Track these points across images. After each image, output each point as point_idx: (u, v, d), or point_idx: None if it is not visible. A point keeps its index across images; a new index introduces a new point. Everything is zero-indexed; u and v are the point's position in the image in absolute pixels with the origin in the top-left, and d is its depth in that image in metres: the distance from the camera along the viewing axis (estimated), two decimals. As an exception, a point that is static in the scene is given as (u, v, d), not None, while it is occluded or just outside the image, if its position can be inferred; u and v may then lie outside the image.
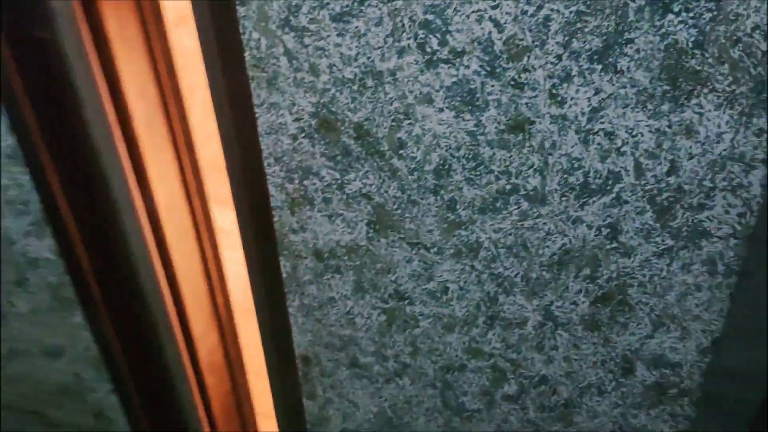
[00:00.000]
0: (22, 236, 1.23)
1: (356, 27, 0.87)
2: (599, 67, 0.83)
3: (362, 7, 0.86)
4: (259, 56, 0.93)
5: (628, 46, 0.81)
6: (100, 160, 1.06)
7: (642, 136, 0.86)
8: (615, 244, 0.96)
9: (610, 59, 0.82)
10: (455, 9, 0.83)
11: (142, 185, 1.12)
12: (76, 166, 1.08)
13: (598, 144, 0.88)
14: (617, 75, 0.83)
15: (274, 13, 0.89)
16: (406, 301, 1.11)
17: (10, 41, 0.99)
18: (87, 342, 1.36)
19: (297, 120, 0.97)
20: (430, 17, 0.84)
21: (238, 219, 1.09)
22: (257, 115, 0.99)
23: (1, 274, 1.30)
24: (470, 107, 0.90)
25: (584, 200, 0.93)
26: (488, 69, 0.86)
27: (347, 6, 0.86)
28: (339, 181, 1.02)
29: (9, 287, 1.32)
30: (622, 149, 0.88)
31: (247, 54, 0.93)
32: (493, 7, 0.82)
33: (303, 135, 0.99)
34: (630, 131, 0.86)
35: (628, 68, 0.82)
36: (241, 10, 0.90)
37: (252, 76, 0.95)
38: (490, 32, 0.84)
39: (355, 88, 0.92)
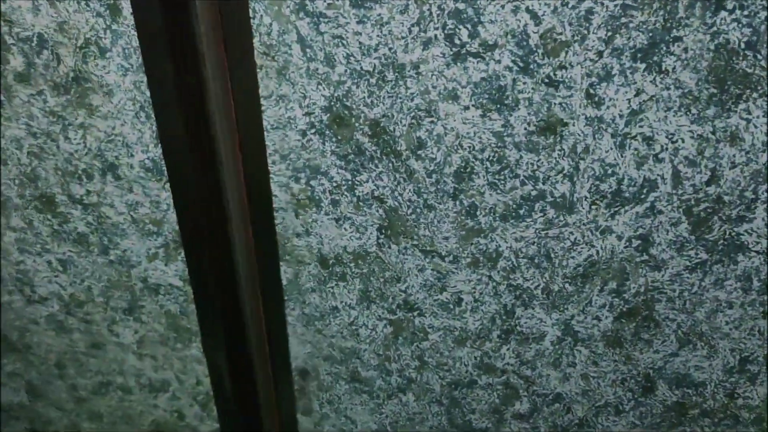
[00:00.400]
0: (145, 259, 1.13)
1: (378, 14, 0.80)
2: (642, 66, 0.77)
3: (387, -7, 0.79)
4: (270, 43, 0.86)
5: (676, 44, 0.75)
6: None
7: (683, 142, 0.80)
8: (645, 257, 0.90)
9: (655, 58, 0.76)
10: (489, -2, 0.76)
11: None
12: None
13: (635, 149, 0.82)
14: (661, 75, 0.77)
15: (289, -3, 0.82)
16: (416, 313, 1.04)
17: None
18: (198, 376, 1.25)
19: (307, 114, 0.90)
20: (461, 6, 0.78)
21: (234, 221, 1.01)
22: (263, 107, 0.91)
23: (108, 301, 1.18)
24: (498, 106, 0.83)
25: (615, 209, 0.87)
26: (521, 65, 0.80)
27: (370, -9, 0.79)
28: (350, 182, 0.94)
29: (115, 314, 1.19)
30: (660, 155, 0.82)
31: (256, 40, 0.86)
32: (532, -2, 0.75)
33: (313, 131, 0.91)
34: (670, 136, 0.80)
35: (673, 68, 0.76)
36: (252, -7, 0.82)
37: (260, 65, 0.88)
38: (525, 25, 0.77)
39: (373, 81, 0.85)
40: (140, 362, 1.22)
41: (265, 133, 0.93)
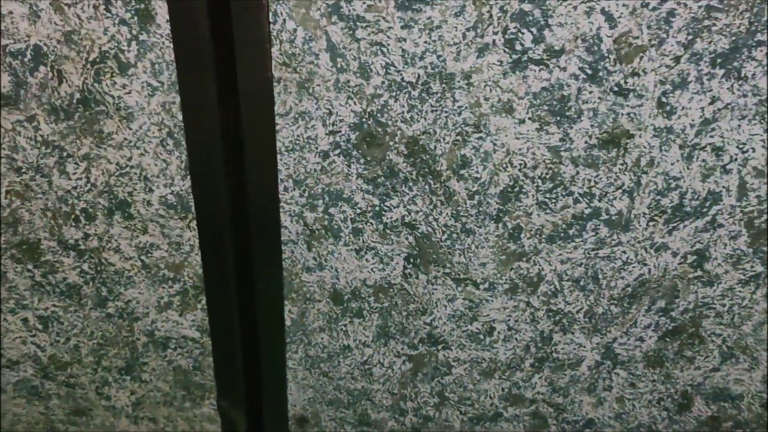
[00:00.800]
0: (154, 310, 0.92)
1: (428, 17, 0.69)
2: (721, 72, 0.71)
3: (442, -7, 0.68)
4: (292, 52, 0.72)
5: (758, 49, 0.69)
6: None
7: (753, 152, 0.75)
8: (699, 273, 0.84)
9: (735, 63, 0.70)
10: (561, -2, 0.67)
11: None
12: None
13: (703, 161, 0.76)
14: (739, 82, 0.71)
15: (322, -2, 0.69)
16: (440, 346, 0.94)
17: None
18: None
19: (332, 134, 0.77)
20: (527, 7, 0.68)
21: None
22: (278, 127, 0.77)
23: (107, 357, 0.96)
24: (558, 118, 0.74)
25: (674, 225, 0.81)
26: (589, 72, 0.71)
27: (422, -9, 0.68)
28: (377, 208, 0.83)
29: (107, 375, 0.97)
30: (728, 167, 0.76)
31: (275, 49, 0.72)
32: (609, -2, 0.67)
33: (337, 152, 0.79)
34: (741, 146, 0.75)
35: (753, 75, 0.71)
36: (277, -8, 0.69)
37: (278, 78, 0.74)
38: (599, 28, 0.69)
39: (415, 94, 0.74)
40: (135, 426, 1.04)
41: (278, 155, 0.80)
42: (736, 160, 0.76)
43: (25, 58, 0.73)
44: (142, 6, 0.69)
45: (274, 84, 0.75)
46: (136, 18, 0.70)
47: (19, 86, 0.75)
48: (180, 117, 0.76)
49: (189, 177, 0.80)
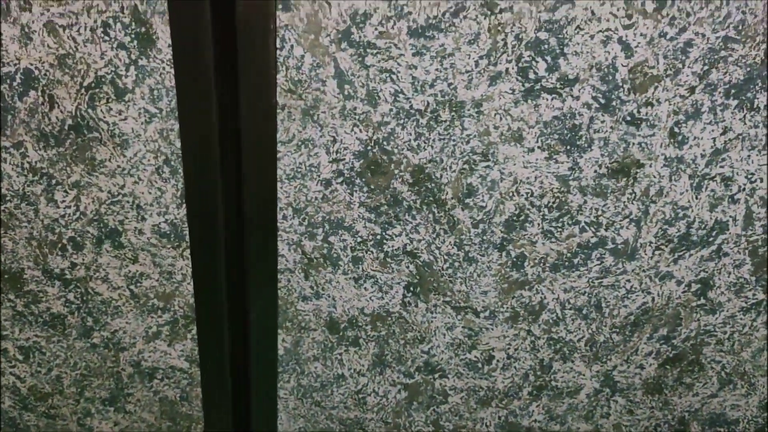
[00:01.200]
0: (142, 340, 0.86)
1: (441, 44, 0.67)
2: (734, 102, 0.70)
3: (456, 20, 0.65)
4: (299, 79, 0.69)
5: (771, 79, 0.69)
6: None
7: (761, 182, 0.75)
8: (702, 301, 0.84)
9: (749, 94, 0.69)
10: (578, 27, 0.66)
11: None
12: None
13: (712, 191, 0.75)
14: (751, 113, 0.70)
15: (331, 23, 0.66)
16: (437, 374, 0.91)
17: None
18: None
19: (336, 161, 0.74)
20: (543, 35, 0.66)
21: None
22: (280, 155, 0.74)
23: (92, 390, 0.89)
24: (568, 146, 0.73)
25: (680, 254, 0.80)
26: (602, 101, 0.70)
27: (435, 18, 0.65)
28: (378, 237, 0.80)
29: (90, 406, 0.91)
30: (736, 196, 0.76)
31: (281, 75, 0.69)
32: (627, 27, 0.66)
33: (340, 180, 0.76)
34: (750, 176, 0.74)
35: (765, 105, 0.70)
36: (283, 17, 0.65)
37: (282, 105, 0.71)
38: (615, 57, 0.67)
39: (423, 121, 0.72)
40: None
41: (279, 183, 0.76)
42: (744, 189, 0.75)
43: (14, 82, 0.68)
44: (143, 30, 0.65)
45: (278, 111, 0.71)
46: (135, 42, 0.66)
47: (5, 111, 0.70)
48: (178, 144, 0.72)
49: (184, 205, 0.76)
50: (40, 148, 0.73)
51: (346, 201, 0.77)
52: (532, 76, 0.69)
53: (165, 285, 0.83)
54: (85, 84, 0.68)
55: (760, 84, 0.69)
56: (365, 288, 0.84)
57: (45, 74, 0.68)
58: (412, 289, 0.84)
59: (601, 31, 0.66)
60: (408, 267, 0.82)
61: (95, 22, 0.66)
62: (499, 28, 0.66)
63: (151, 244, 0.80)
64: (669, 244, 0.79)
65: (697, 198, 0.76)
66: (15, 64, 0.67)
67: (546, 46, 0.67)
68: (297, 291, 0.84)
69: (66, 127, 0.71)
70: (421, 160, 0.74)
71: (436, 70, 0.69)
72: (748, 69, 0.68)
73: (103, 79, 0.68)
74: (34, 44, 0.66)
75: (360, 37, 0.67)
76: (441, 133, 0.72)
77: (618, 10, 0.64)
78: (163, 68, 0.68)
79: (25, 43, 0.66)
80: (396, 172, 0.75)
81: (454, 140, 0.73)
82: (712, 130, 0.71)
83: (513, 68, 0.68)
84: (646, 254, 0.80)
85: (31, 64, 0.67)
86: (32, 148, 0.73)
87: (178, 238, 0.79)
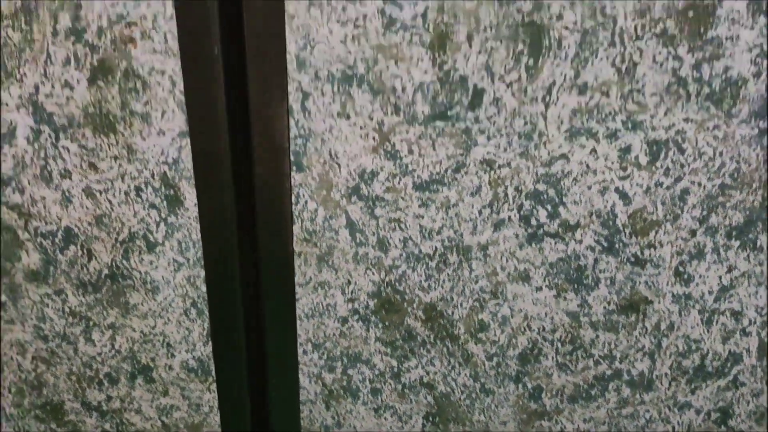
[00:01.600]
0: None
1: (445, 197, 0.71)
2: (737, 243, 0.71)
3: (457, 176, 0.69)
4: (313, 229, 0.74)
5: (772, 220, 0.70)
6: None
7: (773, 315, 0.75)
8: (723, 429, 0.83)
9: (750, 235, 0.71)
10: (574, 179, 0.69)
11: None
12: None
13: (722, 324, 0.76)
14: (755, 252, 0.72)
15: (341, 181, 0.70)
16: (461, 500, 0.92)
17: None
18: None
19: (351, 301, 0.78)
20: (541, 187, 0.69)
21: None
22: (298, 296, 0.78)
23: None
24: (576, 285, 0.75)
25: (697, 384, 0.80)
26: (605, 245, 0.72)
27: (438, 174, 0.69)
28: (395, 369, 0.82)
29: None
30: (747, 329, 0.76)
31: (296, 226, 0.74)
32: (622, 178, 0.68)
33: (356, 317, 0.79)
34: (759, 310, 0.75)
35: (768, 244, 0.71)
36: (297, 177, 0.70)
37: (299, 252, 0.75)
38: (613, 205, 0.70)
39: (432, 264, 0.75)
40: None
41: (298, 321, 0.80)
42: (755, 323, 0.76)
43: (56, 239, 0.75)
44: (172, 192, 0.71)
45: (295, 257, 0.76)
46: (165, 203, 0.72)
47: (48, 263, 0.77)
48: (204, 289, 0.77)
49: (210, 343, 0.81)
50: (80, 294, 0.79)
51: (362, 336, 0.80)
52: (534, 222, 0.72)
53: (194, 416, 0.87)
54: (119, 239, 0.74)
55: (760, 226, 0.70)
56: (385, 418, 0.86)
57: (84, 231, 0.74)
58: (431, 419, 0.85)
59: (597, 182, 0.69)
60: (426, 398, 0.84)
61: (128, 186, 0.72)
62: (499, 181, 0.69)
63: (180, 379, 0.84)
64: (685, 375, 0.79)
65: (708, 332, 0.77)
66: (57, 224, 0.74)
67: (545, 196, 0.70)
68: (319, 421, 0.87)
69: (102, 276, 0.77)
70: (433, 298, 0.77)
71: (442, 218, 0.72)
72: (748, 212, 0.70)
73: (136, 235, 0.74)
74: (73, 206, 0.73)
75: (369, 192, 0.71)
76: (450, 275, 0.75)
77: (612, 163, 0.68)
78: (190, 224, 0.73)
79: (65, 206, 0.73)
80: (409, 309, 0.78)
81: (463, 280, 0.76)
82: (717, 269, 0.73)
83: (515, 216, 0.71)
84: (662, 385, 0.80)
85: (71, 223, 0.74)
86: (72, 294, 0.79)
87: (205, 373, 0.83)
